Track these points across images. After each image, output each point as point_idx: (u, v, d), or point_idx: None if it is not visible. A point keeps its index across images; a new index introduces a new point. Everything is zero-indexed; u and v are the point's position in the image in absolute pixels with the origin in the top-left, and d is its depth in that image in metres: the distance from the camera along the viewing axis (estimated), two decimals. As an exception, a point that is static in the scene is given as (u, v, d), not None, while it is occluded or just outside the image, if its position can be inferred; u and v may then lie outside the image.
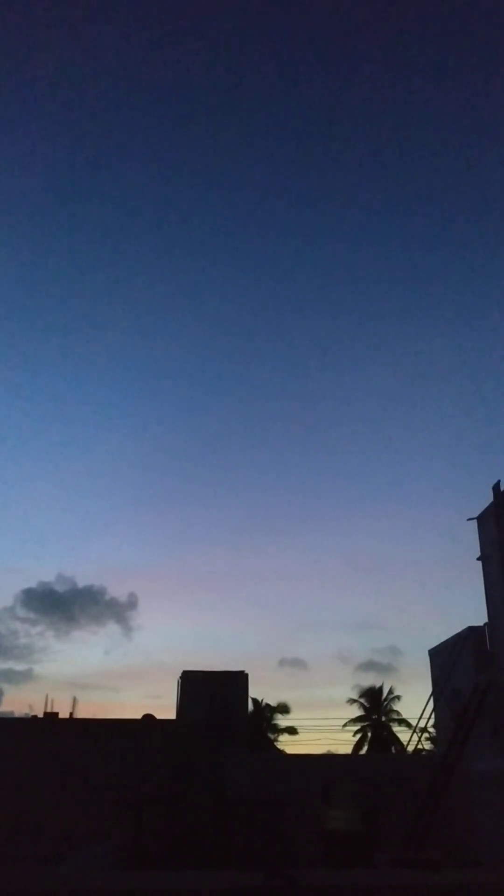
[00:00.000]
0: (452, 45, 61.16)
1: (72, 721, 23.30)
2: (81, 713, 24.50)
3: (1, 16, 51.15)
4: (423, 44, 61.01)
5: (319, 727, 72.00)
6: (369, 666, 77.87)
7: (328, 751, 35.42)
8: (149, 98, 63.38)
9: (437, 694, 23.25)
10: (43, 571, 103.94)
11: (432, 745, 31.39)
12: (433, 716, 23.47)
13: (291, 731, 43.24)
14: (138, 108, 63.37)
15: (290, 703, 44.51)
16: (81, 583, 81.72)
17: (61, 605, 63.85)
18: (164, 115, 63.97)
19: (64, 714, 23.73)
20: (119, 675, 71.64)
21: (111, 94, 61.40)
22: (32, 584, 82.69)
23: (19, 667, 75.46)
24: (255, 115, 64.79)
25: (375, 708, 45.65)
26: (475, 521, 22.18)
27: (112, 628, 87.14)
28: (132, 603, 75.09)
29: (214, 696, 22.56)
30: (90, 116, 63.21)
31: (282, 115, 65.81)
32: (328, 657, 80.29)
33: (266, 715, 43.82)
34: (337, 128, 64.80)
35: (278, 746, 42.30)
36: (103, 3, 56.31)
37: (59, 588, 70.75)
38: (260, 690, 44.60)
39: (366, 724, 45.36)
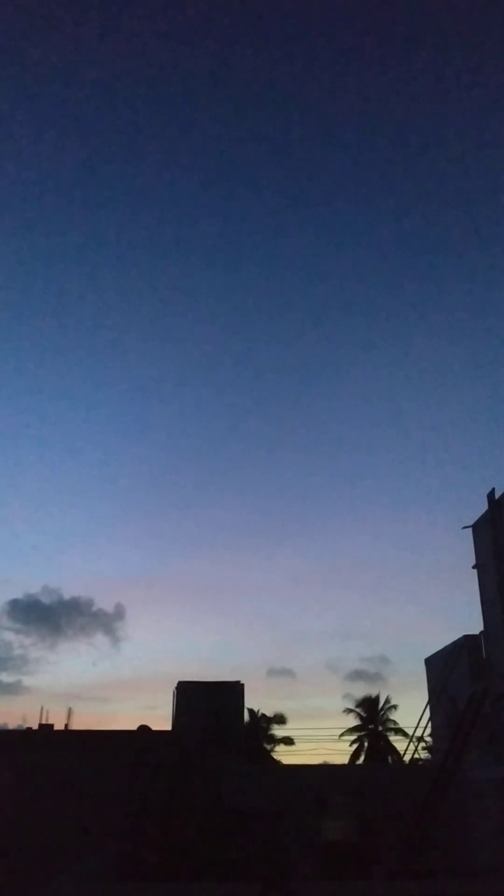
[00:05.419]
0: (453, 43, 61.73)
1: (67, 733, 23.20)
2: (76, 725, 24.44)
3: (1, 13, 51.27)
4: (424, 43, 61.58)
5: (315, 737, 71.42)
6: (358, 675, 77.41)
7: (325, 761, 35.28)
8: (147, 97, 63.78)
9: (434, 702, 23.19)
10: (29, 582, 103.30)
11: (429, 754, 31.25)
12: (429, 724, 23.40)
13: (288, 741, 42.97)
14: (136, 106, 63.76)
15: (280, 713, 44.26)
16: (67, 594, 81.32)
17: (48, 616, 63.82)
18: (161, 115, 64.36)
19: (59, 726, 23.66)
20: (110, 687, 71.22)
21: (111, 92, 61.75)
22: (18, 595, 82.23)
23: (8, 679, 74.97)
24: (253, 115, 65.28)
25: (372, 717, 45.39)
26: (470, 529, 22.23)
27: (100, 639, 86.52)
28: (119, 614, 75.10)
29: (210, 706, 22.49)
30: (89, 116, 63.55)
31: (280, 115, 66.30)
32: (317, 667, 79.72)
33: (262, 725, 43.54)
34: (336, 127, 65.36)
35: (274, 757, 42.04)
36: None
37: (46, 600, 70.59)
38: (249, 700, 44.32)
39: (362, 733, 45.08)
